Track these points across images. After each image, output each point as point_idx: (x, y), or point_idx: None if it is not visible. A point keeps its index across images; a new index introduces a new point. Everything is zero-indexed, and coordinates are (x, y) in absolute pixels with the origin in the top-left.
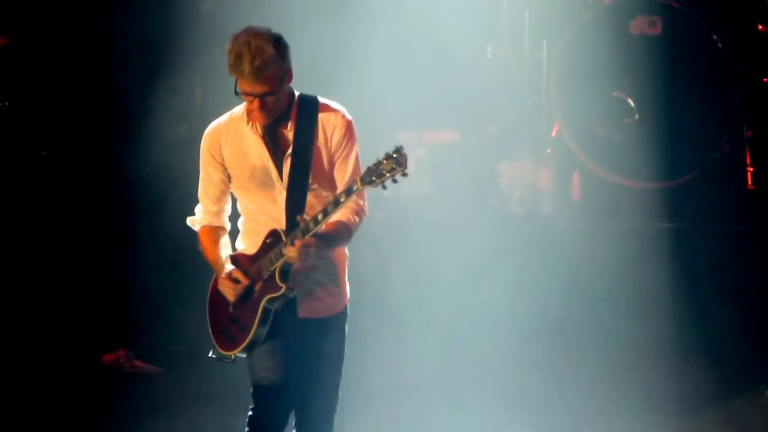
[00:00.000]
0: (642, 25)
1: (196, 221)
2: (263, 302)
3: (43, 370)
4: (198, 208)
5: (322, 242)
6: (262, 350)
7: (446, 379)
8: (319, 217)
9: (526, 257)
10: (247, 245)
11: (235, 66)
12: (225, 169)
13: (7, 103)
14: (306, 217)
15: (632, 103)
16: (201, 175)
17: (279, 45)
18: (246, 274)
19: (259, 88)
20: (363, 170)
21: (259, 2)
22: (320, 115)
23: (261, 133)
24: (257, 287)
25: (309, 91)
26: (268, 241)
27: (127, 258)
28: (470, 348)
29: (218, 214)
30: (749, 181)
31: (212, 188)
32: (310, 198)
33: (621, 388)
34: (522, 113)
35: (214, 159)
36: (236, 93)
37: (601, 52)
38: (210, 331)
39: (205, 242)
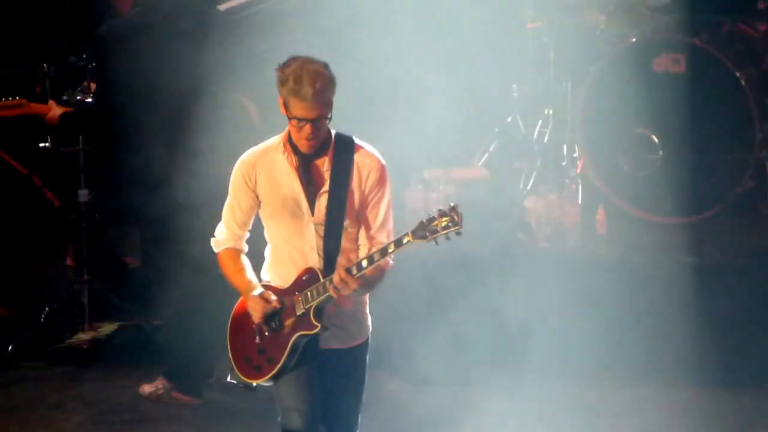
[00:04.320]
0: (666, 63)
1: (220, 243)
2: (294, 338)
3: (84, 400)
4: (222, 230)
5: (365, 284)
6: (289, 379)
7: (468, 411)
8: (364, 263)
9: (551, 289)
10: (273, 275)
11: (296, 89)
12: (256, 196)
13: (48, 144)
14: (343, 260)
15: (656, 139)
16: (230, 200)
17: (330, 71)
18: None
19: (315, 112)
20: (416, 224)
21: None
22: (356, 156)
23: (295, 165)
24: (288, 321)
25: (341, 129)
26: (304, 278)
27: (166, 292)
28: (494, 378)
29: (242, 238)
30: None
31: (240, 214)
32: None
33: (643, 420)
34: (548, 149)
35: (247, 185)
36: (289, 118)
37: (625, 89)
38: (230, 355)
39: (230, 264)
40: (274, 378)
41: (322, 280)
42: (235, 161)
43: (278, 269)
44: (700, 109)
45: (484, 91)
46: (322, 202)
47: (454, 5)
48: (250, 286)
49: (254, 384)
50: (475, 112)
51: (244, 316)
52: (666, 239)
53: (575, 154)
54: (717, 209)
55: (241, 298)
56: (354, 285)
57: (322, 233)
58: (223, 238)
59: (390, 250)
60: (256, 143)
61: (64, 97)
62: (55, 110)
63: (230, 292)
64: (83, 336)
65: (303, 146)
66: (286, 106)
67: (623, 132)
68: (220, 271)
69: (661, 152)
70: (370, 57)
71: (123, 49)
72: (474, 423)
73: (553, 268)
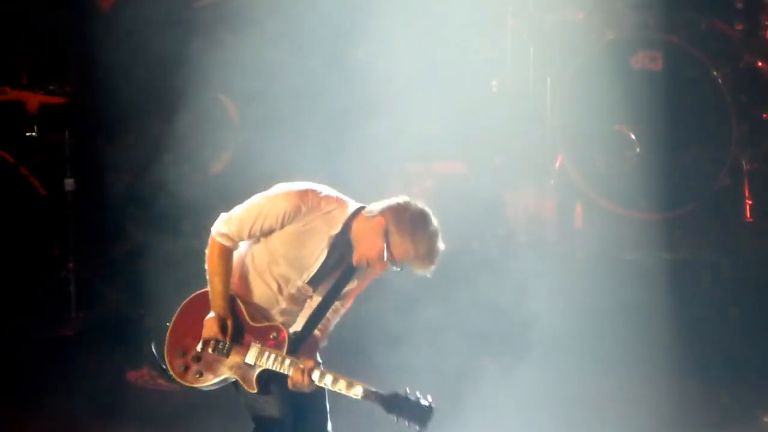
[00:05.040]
0: (643, 61)
1: (223, 235)
2: (229, 375)
3: (70, 387)
4: (232, 227)
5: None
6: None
7: (449, 401)
8: (328, 381)
9: (528, 282)
10: (252, 289)
11: (423, 263)
12: (280, 229)
13: (35, 134)
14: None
15: (633, 136)
16: (256, 211)
17: None
18: (236, 336)
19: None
20: (389, 394)
21: (274, 33)
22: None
23: (331, 241)
24: (235, 358)
25: (322, 121)
26: (271, 335)
27: (153, 282)
28: (470, 368)
29: (242, 242)
30: (747, 214)
31: (256, 230)
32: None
33: (617, 412)
34: (526, 145)
35: (282, 221)
36: (390, 262)
37: (603, 86)
38: (168, 331)
39: (218, 263)
40: (193, 388)
41: (284, 353)
42: (214, 154)
43: (256, 285)
44: (677, 107)
45: (465, 87)
46: (330, 282)
47: (435, 1)
48: (220, 300)
49: (172, 375)
50: (455, 107)
51: (202, 310)
52: (641, 234)
53: (553, 150)
54: (692, 206)
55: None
56: (308, 388)
57: (303, 296)
58: (228, 234)
59: (356, 393)
60: (234, 138)
61: (51, 87)
62: (34, 101)
63: None
64: (69, 324)
65: (363, 264)
66: (395, 248)
67: (601, 128)
68: (206, 251)
69: (638, 149)
70: (351, 53)
71: (106, 49)
72: (455, 413)
73: (531, 261)
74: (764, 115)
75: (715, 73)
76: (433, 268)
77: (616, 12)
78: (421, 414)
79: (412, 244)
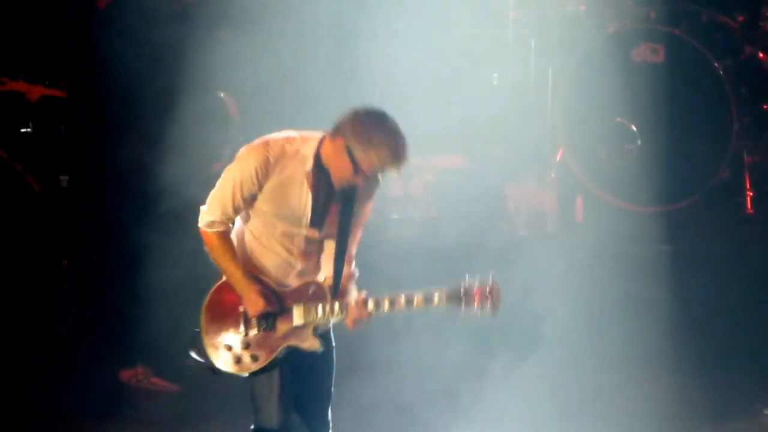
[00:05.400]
0: (644, 53)
1: (213, 224)
2: (285, 345)
3: (64, 386)
4: (215, 211)
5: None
6: (264, 385)
7: (445, 394)
8: (385, 306)
9: (529, 276)
10: (263, 263)
11: (390, 166)
12: (259, 190)
13: (30, 129)
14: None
15: (634, 129)
16: (233, 182)
17: None
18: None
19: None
20: (451, 287)
21: (273, 29)
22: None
23: (309, 180)
24: (283, 327)
25: (323, 117)
26: (310, 291)
27: (145, 278)
28: (471, 362)
29: (232, 221)
30: (748, 206)
31: (239, 201)
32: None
33: (618, 406)
34: (527, 138)
35: (257, 179)
36: (358, 169)
37: (604, 78)
38: (203, 335)
39: (220, 247)
40: (253, 374)
41: (329, 299)
42: (213, 153)
43: (268, 257)
44: (678, 99)
45: (465, 80)
46: (330, 223)
47: None
48: (245, 277)
49: (220, 369)
50: (456, 100)
51: (227, 302)
52: (643, 228)
53: (554, 143)
54: (693, 199)
55: (222, 282)
56: (370, 317)
57: (314, 246)
58: (216, 219)
59: (414, 302)
60: (235, 136)
61: (47, 82)
62: (34, 92)
63: (210, 277)
64: (63, 322)
65: (344, 184)
66: (361, 163)
67: (602, 121)
68: (206, 249)
69: (639, 141)
70: (350, 44)
71: (104, 44)
72: (450, 405)
73: (531, 254)
74: (765, 107)
75: (716, 65)
76: (404, 163)
77: (617, 4)
78: (490, 298)
79: (374, 153)
